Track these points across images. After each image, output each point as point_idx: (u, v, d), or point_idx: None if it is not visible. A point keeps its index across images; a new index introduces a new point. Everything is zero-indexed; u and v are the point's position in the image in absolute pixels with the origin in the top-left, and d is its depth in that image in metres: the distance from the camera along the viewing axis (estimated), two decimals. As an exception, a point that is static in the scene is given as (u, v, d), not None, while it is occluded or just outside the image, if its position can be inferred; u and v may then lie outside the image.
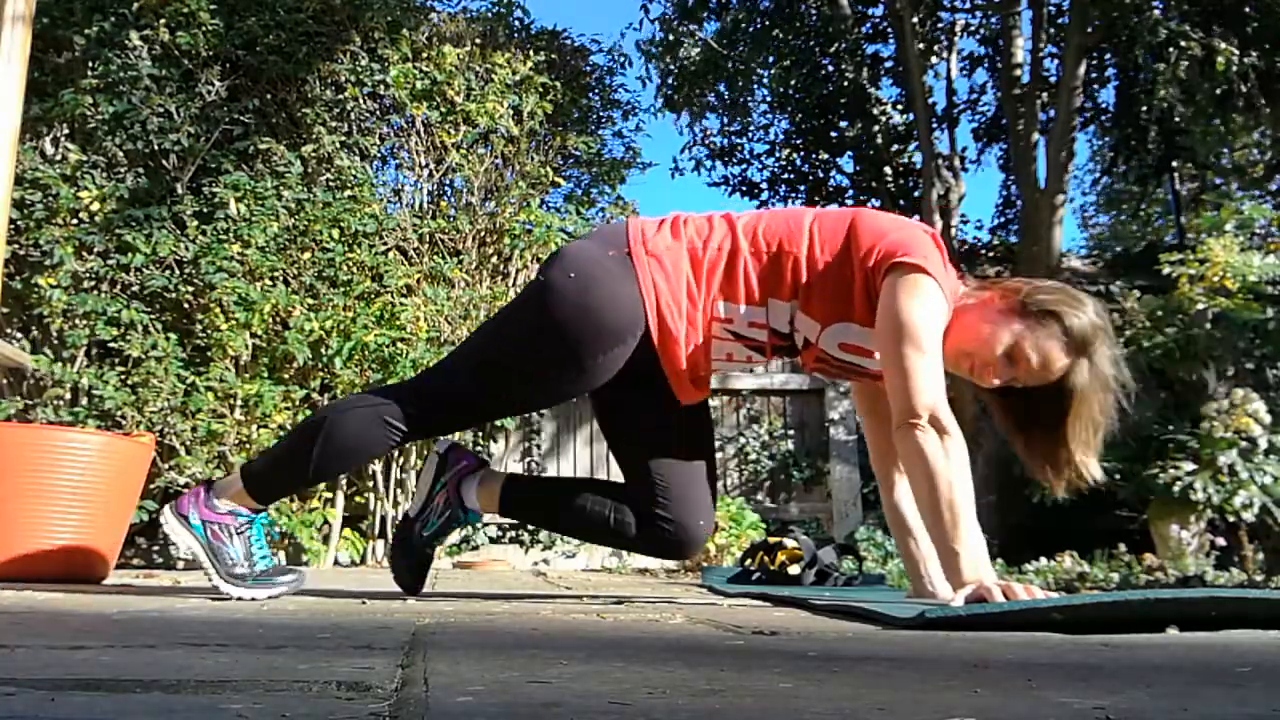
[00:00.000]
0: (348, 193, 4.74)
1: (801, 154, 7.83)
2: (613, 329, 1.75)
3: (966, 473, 1.63)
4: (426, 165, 4.99)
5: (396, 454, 4.68)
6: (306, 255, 4.57)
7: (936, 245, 1.77)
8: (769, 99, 8.09)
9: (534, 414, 5.64)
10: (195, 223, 4.54)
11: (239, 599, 1.80)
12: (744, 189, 7.92)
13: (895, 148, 7.57)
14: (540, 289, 1.80)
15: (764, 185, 7.90)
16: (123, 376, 4.34)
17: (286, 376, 4.49)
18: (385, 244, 4.74)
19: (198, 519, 1.86)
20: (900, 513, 1.94)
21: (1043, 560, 3.82)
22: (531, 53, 5.08)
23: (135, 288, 4.49)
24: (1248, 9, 5.68)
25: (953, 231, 7.19)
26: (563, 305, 1.76)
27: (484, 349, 1.89)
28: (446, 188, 5.16)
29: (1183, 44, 5.50)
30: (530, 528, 5.48)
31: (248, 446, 4.35)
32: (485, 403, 1.88)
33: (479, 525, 5.34)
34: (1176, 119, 6.28)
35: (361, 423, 1.81)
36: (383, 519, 4.76)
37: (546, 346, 1.77)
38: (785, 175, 7.87)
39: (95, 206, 4.46)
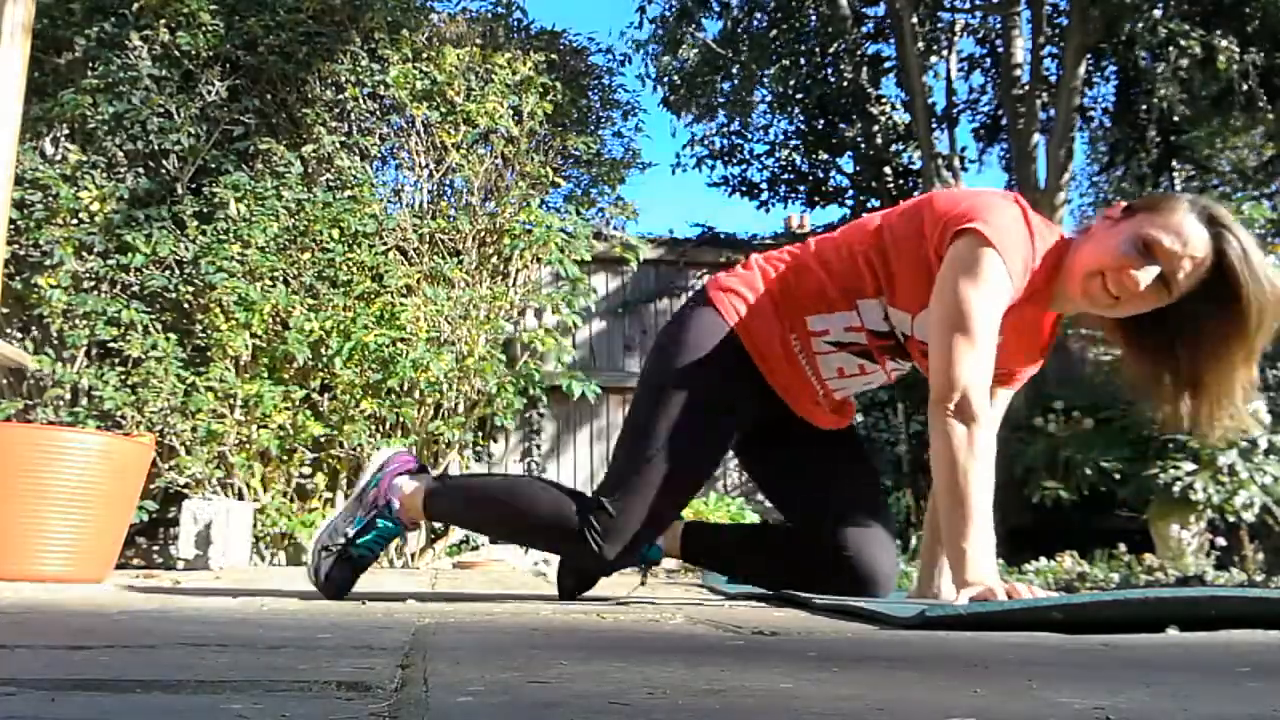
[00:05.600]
0: (348, 193, 4.74)
1: (801, 154, 7.83)
2: (712, 358, 1.80)
3: (989, 469, 1.57)
4: (426, 165, 4.99)
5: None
6: (306, 255, 4.57)
7: (1020, 209, 1.67)
8: (769, 99, 8.08)
9: (534, 412, 5.65)
10: (195, 223, 4.54)
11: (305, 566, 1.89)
12: (744, 189, 7.91)
13: (895, 148, 7.57)
14: (650, 365, 1.92)
15: (764, 185, 7.90)
16: (123, 376, 4.34)
17: (286, 376, 4.49)
18: (385, 244, 4.74)
19: (383, 477, 1.89)
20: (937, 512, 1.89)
21: (1043, 560, 3.82)
22: (531, 53, 5.08)
23: (135, 288, 4.49)
24: (1248, 9, 5.68)
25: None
26: (667, 360, 1.85)
27: (636, 435, 1.87)
28: (446, 188, 5.16)
29: (1183, 44, 5.50)
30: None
31: (248, 446, 4.35)
32: (664, 484, 1.78)
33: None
34: (1176, 119, 6.28)
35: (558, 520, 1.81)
36: (383, 519, 4.75)
37: (673, 403, 1.81)
38: (785, 175, 7.87)
39: (95, 206, 4.46)
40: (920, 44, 7.03)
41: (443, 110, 4.92)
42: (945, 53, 7.69)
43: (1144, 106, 6.42)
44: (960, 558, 1.51)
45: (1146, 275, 1.55)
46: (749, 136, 8.10)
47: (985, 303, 1.58)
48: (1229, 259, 1.55)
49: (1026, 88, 6.78)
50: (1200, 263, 1.56)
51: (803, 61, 7.66)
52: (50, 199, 4.41)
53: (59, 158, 4.62)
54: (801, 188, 7.79)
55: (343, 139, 4.89)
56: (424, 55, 5.01)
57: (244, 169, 4.72)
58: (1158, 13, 5.70)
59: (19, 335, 4.57)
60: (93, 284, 4.49)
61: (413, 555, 4.79)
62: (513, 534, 2.08)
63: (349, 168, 4.81)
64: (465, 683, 0.73)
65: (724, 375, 1.81)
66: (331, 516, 1.93)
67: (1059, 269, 1.67)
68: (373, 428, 4.53)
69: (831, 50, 7.60)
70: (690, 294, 2.02)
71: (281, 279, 4.54)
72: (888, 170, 7.50)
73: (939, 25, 7.57)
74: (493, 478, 2.08)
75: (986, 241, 1.58)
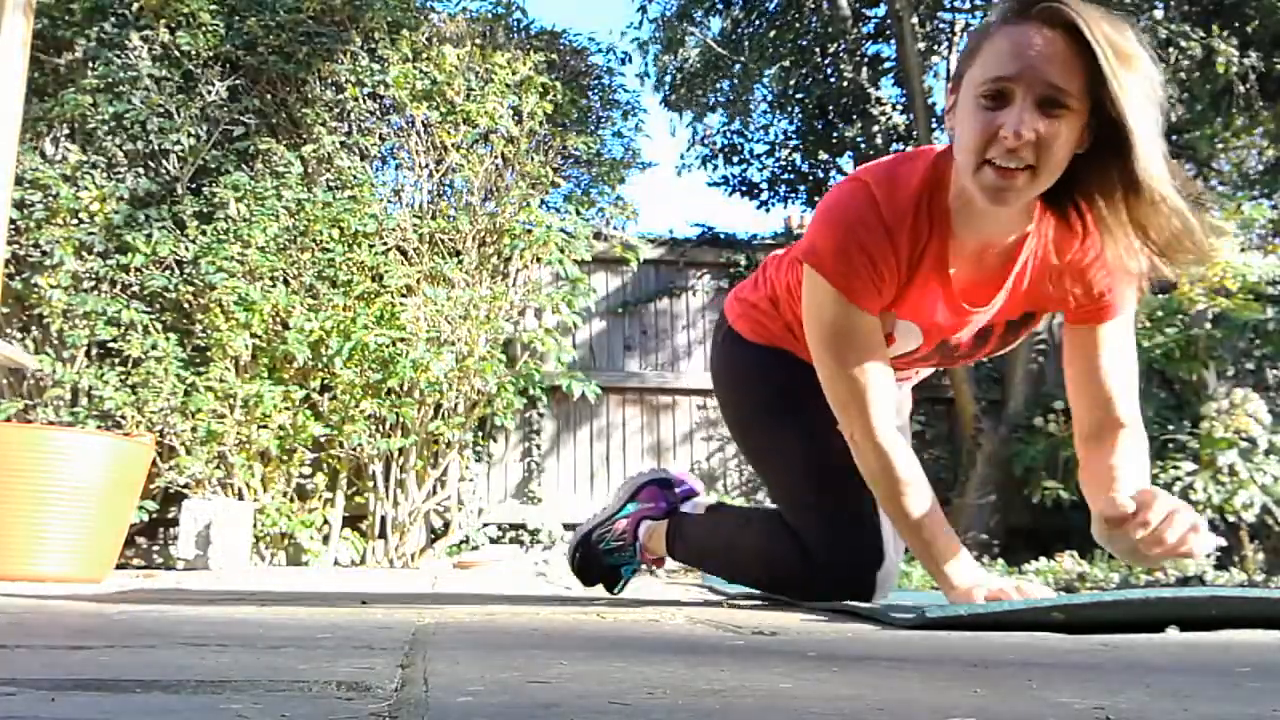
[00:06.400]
0: (348, 193, 4.75)
1: (801, 154, 7.82)
2: (757, 367, 1.86)
3: (918, 483, 1.50)
4: (426, 165, 5.00)
5: (397, 454, 4.68)
6: (306, 255, 4.58)
7: (858, 184, 1.48)
8: (769, 99, 8.09)
9: (534, 412, 5.65)
10: (195, 223, 4.54)
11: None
12: (744, 189, 7.91)
13: (895, 148, 7.56)
14: (727, 412, 1.98)
15: (764, 185, 7.90)
16: (123, 376, 4.35)
17: (286, 376, 4.49)
18: (385, 244, 4.75)
19: (634, 514, 2.02)
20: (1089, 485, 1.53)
21: (1043, 560, 3.82)
22: (531, 53, 5.08)
23: (135, 288, 4.49)
24: (1249, 9, 5.68)
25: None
26: (725, 393, 1.95)
27: (758, 461, 1.95)
28: (446, 188, 5.16)
29: (1183, 45, 5.50)
30: (530, 528, 5.48)
31: (248, 446, 4.35)
32: (805, 477, 1.77)
33: (480, 528, 5.34)
34: (1175, 119, 6.28)
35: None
36: (383, 519, 4.76)
37: (755, 415, 1.89)
38: (785, 175, 7.87)
39: (95, 206, 4.47)
40: (920, 44, 7.03)
41: (442, 110, 4.92)
42: (945, 53, 7.69)
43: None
44: (939, 572, 1.49)
45: (1017, 118, 1.26)
46: (749, 136, 8.10)
47: (831, 335, 1.52)
48: (1070, 17, 1.24)
49: (1026, 88, 6.78)
50: (1054, 45, 1.25)
51: (803, 62, 7.66)
52: (50, 199, 4.41)
53: (59, 158, 4.62)
54: (801, 188, 7.78)
55: (343, 139, 4.89)
56: (424, 55, 5.01)
57: (244, 169, 4.72)
58: (1158, 13, 5.70)
59: (19, 335, 4.57)
60: (93, 284, 4.49)
61: (413, 555, 4.79)
62: (751, 580, 1.95)
63: (349, 168, 4.81)
64: (465, 683, 0.73)
65: (773, 364, 1.83)
66: (594, 517, 2.09)
67: (945, 212, 1.46)
68: (373, 428, 4.53)
69: (831, 50, 7.59)
70: (718, 326, 1.99)
71: (281, 279, 4.54)
72: (888, 170, 7.49)
73: (939, 25, 7.56)
74: (721, 522, 1.97)
75: (815, 271, 1.49)
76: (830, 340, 1.52)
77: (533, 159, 5.01)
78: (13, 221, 4.16)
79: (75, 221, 4.47)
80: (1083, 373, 1.53)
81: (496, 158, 4.98)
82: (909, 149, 1.53)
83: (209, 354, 4.40)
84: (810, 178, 7.88)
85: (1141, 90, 1.23)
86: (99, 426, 4.21)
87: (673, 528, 1.95)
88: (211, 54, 4.84)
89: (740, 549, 1.88)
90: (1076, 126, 1.28)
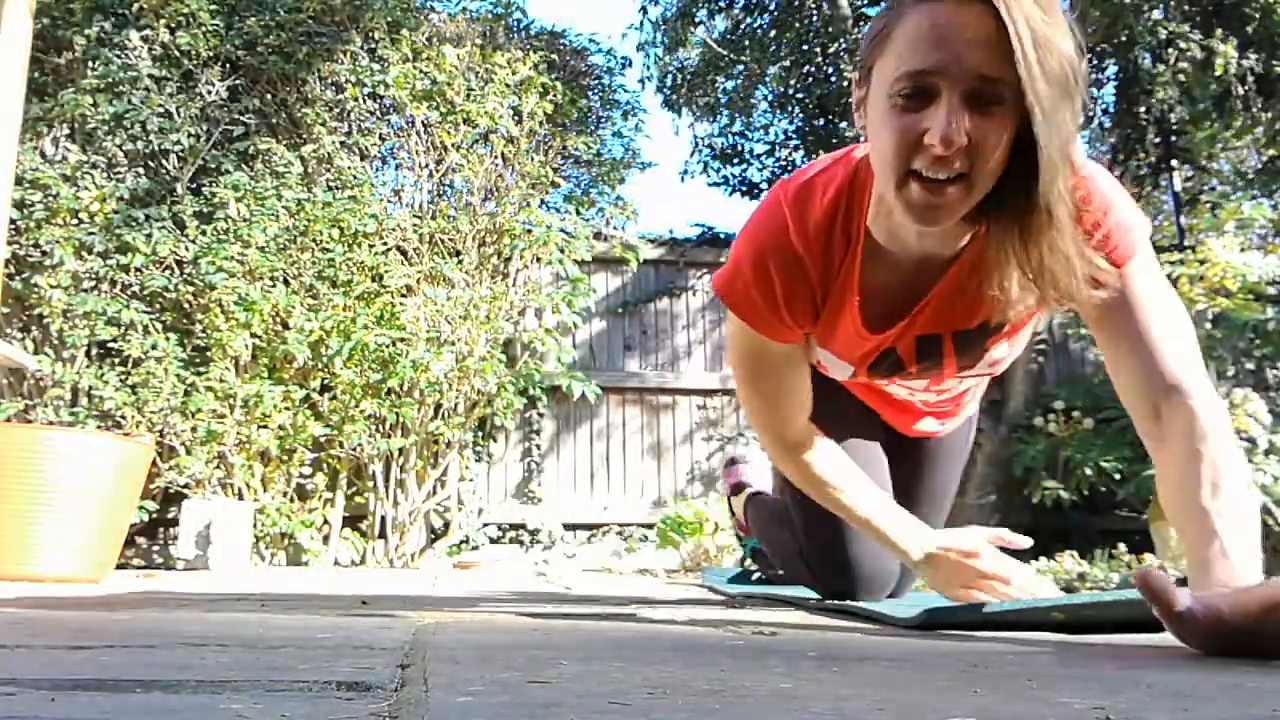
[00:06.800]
0: (348, 193, 4.75)
1: (802, 154, 7.82)
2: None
3: (846, 477, 1.50)
4: (426, 165, 5.00)
5: (397, 454, 4.68)
6: (306, 255, 4.58)
7: (772, 201, 1.36)
8: (769, 99, 8.09)
9: (533, 412, 5.65)
10: (195, 223, 4.55)
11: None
12: (744, 189, 7.91)
13: (895, 148, 7.56)
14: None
15: (764, 185, 7.90)
16: (123, 376, 4.35)
17: (286, 376, 4.50)
18: (385, 244, 4.75)
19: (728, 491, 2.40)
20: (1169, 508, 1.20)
21: (1043, 560, 3.82)
22: (531, 53, 5.09)
23: (135, 288, 4.49)
24: (1248, 9, 5.68)
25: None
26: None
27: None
28: (446, 188, 5.16)
29: (1182, 45, 5.50)
30: (530, 528, 5.48)
31: (247, 446, 4.35)
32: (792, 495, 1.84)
33: (480, 528, 5.34)
34: (1175, 120, 6.28)
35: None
36: (383, 519, 4.76)
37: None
38: (785, 175, 7.88)
39: (95, 206, 4.47)
40: (920, 44, 7.03)
41: (443, 110, 4.92)
42: (945, 53, 7.69)
43: (1144, 108, 6.42)
44: (901, 551, 1.53)
45: (944, 119, 1.03)
46: (749, 136, 8.11)
47: (739, 358, 1.48)
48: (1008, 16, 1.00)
49: (1026, 88, 6.77)
50: (981, 24, 1.02)
51: (803, 61, 7.66)
52: (50, 199, 4.41)
53: (59, 158, 4.62)
54: (801, 188, 7.79)
55: (343, 139, 4.89)
56: (424, 55, 5.01)
57: (244, 169, 4.73)
58: (1158, 14, 5.70)
59: (19, 335, 4.57)
60: (93, 284, 4.49)
61: (413, 555, 4.79)
62: (779, 568, 2.17)
63: (349, 168, 4.81)
64: (465, 683, 0.72)
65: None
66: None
67: (861, 231, 1.30)
68: (373, 428, 4.53)
69: (831, 50, 7.60)
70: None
71: (281, 279, 4.54)
72: (888, 170, 7.48)
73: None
74: (767, 511, 2.08)
75: (725, 304, 1.41)
76: (738, 362, 1.49)
77: (533, 159, 5.01)
78: (13, 221, 4.16)
79: (75, 221, 4.47)
80: (1113, 341, 1.20)
81: (496, 158, 4.98)
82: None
83: (209, 354, 4.40)
84: (810, 178, 7.87)
85: (1058, 85, 1.01)
86: (99, 426, 4.21)
87: (746, 506, 2.21)
88: (211, 54, 4.84)
89: (770, 539, 2.08)
90: (1012, 120, 1.05)
